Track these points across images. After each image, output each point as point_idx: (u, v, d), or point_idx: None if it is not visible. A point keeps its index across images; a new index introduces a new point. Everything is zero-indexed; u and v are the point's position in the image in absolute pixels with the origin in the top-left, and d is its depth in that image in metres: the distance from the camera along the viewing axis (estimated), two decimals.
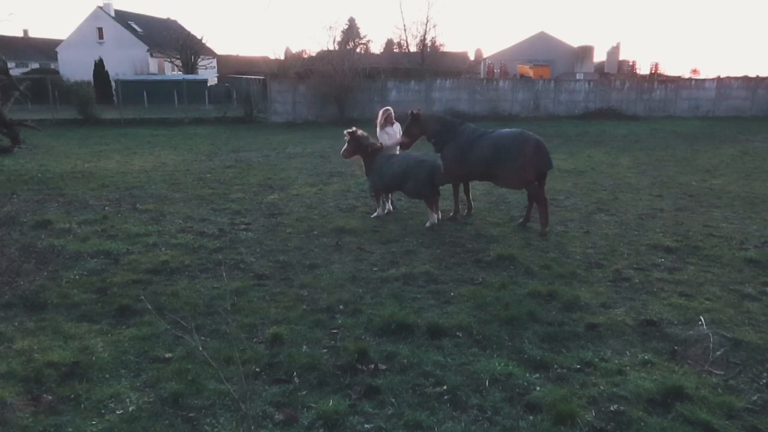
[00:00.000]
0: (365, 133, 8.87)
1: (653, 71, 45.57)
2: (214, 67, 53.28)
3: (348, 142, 8.83)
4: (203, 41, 49.71)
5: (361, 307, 5.37)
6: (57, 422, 3.59)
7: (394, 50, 58.19)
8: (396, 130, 9.25)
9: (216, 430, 3.54)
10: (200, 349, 3.95)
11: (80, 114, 26.04)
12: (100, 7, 51.12)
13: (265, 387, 4.00)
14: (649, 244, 7.51)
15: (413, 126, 8.90)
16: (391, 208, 9.31)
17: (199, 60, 47.72)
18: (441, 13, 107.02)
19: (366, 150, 8.77)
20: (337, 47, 46.89)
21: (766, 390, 3.99)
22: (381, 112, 9.38)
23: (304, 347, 4.58)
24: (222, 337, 4.75)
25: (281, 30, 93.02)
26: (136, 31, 51.32)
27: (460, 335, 4.80)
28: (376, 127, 9.37)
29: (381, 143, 9.05)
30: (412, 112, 8.96)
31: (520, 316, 5.11)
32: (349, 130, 8.85)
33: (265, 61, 45.64)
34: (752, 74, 32.00)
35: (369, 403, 3.81)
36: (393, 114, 9.41)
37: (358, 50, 53.22)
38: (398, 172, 8.37)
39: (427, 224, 8.37)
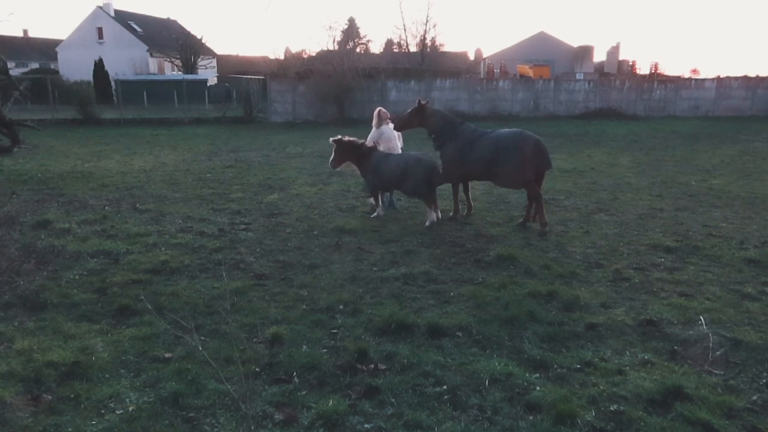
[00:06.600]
0: (351, 138, 8.86)
1: (653, 71, 45.54)
2: (214, 67, 53.27)
3: (335, 150, 8.80)
4: (203, 41, 49.70)
5: (361, 307, 5.37)
6: (57, 422, 3.59)
7: (394, 50, 58.08)
8: (391, 128, 9.33)
9: (216, 430, 3.55)
10: (200, 349, 3.95)
11: (80, 114, 26.04)
12: (100, 7, 51.14)
13: (265, 387, 4.00)
14: (649, 244, 7.51)
15: (415, 116, 8.91)
16: (383, 206, 9.31)
17: (199, 60, 47.72)
18: (441, 13, 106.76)
19: (359, 151, 8.75)
20: (337, 47, 47.00)
21: (766, 390, 3.99)
22: (375, 113, 9.54)
23: (304, 347, 4.58)
24: (222, 337, 4.75)
25: (281, 30, 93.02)
26: (136, 31, 51.33)
27: (460, 335, 4.80)
28: (372, 127, 9.53)
29: (379, 139, 9.20)
30: (419, 101, 8.99)
31: (520, 316, 5.11)
32: (335, 138, 8.82)
33: (265, 61, 45.61)
34: (752, 74, 32.04)
35: (369, 403, 3.81)
36: (385, 113, 9.56)
37: (358, 50, 53.23)
38: (396, 170, 8.38)
39: (427, 223, 8.38)
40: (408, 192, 8.66)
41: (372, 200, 9.19)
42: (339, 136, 8.85)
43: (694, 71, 46.10)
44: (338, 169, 9.16)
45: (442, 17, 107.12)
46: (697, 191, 11.09)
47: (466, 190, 9.01)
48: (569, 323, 5.04)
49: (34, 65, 54.13)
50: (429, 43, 52.54)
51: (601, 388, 3.99)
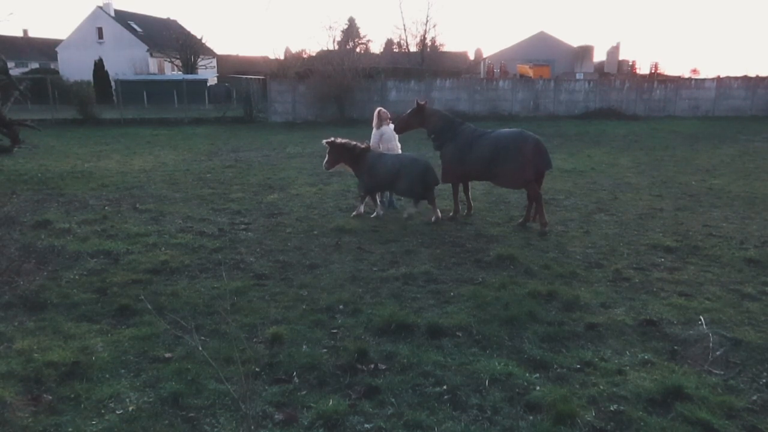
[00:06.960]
0: (345, 140, 8.87)
1: (653, 71, 45.52)
2: (214, 67, 53.27)
3: (329, 152, 8.82)
4: (203, 41, 49.69)
5: (361, 307, 5.37)
6: (57, 422, 3.59)
7: (394, 50, 58.04)
8: (391, 129, 9.34)
9: (216, 430, 3.55)
10: (200, 349, 3.95)
11: (80, 114, 26.04)
12: (100, 7, 51.14)
13: (265, 387, 4.00)
14: (649, 244, 7.51)
15: (414, 117, 8.93)
16: (362, 209, 9.22)
17: (199, 60, 47.71)
18: (441, 13, 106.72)
19: (353, 152, 8.74)
20: (337, 47, 46.94)
21: (766, 390, 3.99)
22: (375, 114, 9.53)
23: (304, 347, 4.58)
24: (222, 337, 4.75)
25: (281, 30, 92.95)
26: (135, 31, 51.33)
27: (460, 335, 4.80)
28: (373, 128, 9.53)
29: (379, 140, 9.23)
30: (418, 101, 8.99)
31: (520, 316, 5.11)
32: (328, 140, 8.84)
33: (265, 61, 45.63)
34: (752, 74, 32.02)
35: (369, 402, 3.81)
36: (385, 113, 9.55)
37: (358, 50, 53.12)
38: (391, 170, 8.42)
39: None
40: (402, 192, 8.71)
41: (360, 204, 9.13)
42: (332, 138, 8.88)
43: (694, 71, 46.07)
44: (332, 170, 9.20)
45: (442, 17, 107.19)
46: (697, 191, 11.09)
47: (466, 190, 9.02)
48: (569, 323, 5.04)
49: (34, 65, 54.13)
50: (429, 43, 52.50)
51: (601, 388, 3.99)
